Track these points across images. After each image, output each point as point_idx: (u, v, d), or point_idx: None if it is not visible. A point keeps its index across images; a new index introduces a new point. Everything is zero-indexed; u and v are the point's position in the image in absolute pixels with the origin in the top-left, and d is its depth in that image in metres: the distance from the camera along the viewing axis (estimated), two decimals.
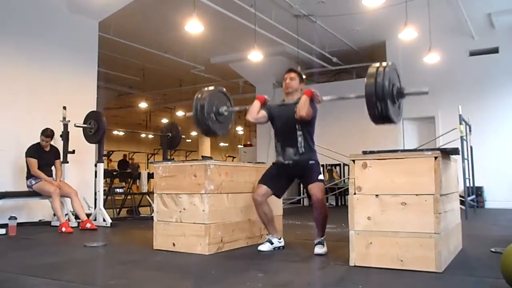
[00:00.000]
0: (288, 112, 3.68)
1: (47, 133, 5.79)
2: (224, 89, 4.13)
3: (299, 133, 3.65)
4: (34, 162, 5.67)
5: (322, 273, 3.06)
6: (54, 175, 5.88)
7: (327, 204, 4.01)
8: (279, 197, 3.88)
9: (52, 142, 5.92)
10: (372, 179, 3.03)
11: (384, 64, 3.13)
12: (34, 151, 5.75)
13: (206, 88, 4.01)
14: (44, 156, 5.82)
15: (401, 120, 3.30)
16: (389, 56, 10.44)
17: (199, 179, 3.65)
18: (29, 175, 5.71)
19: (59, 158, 6.00)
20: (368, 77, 3.07)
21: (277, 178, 3.73)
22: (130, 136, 22.90)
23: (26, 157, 5.70)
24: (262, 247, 3.69)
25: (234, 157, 19.59)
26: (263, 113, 3.81)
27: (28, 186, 5.70)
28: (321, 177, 3.62)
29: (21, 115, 6.26)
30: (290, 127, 3.67)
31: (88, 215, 6.09)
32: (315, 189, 3.53)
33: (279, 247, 3.76)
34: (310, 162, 3.65)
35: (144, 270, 3.11)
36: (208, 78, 13.29)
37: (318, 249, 3.49)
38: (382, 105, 3.01)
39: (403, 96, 3.19)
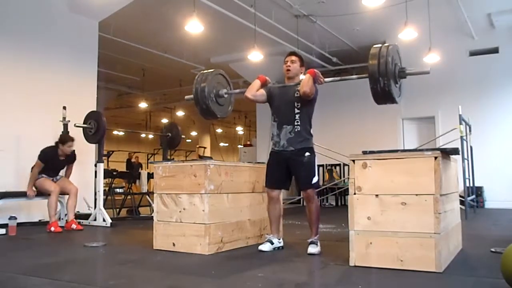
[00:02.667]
0: (288, 93, 3.71)
1: (70, 143, 5.58)
2: (224, 72, 4.14)
3: (297, 111, 3.64)
4: (39, 165, 5.49)
5: (322, 273, 3.06)
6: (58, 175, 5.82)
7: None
8: (287, 189, 3.88)
9: (53, 143, 5.87)
10: (372, 179, 3.03)
11: (386, 44, 3.20)
12: (48, 156, 5.52)
13: (206, 71, 4.02)
14: (55, 163, 5.65)
15: (400, 100, 3.34)
16: None
17: (199, 179, 3.65)
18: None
19: (74, 162, 5.88)
20: (371, 56, 3.15)
21: (279, 172, 3.72)
22: (130, 136, 22.92)
23: (38, 156, 5.52)
24: (263, 247, 3.69)
25: (205, 148, 20.05)
26: (262, 91, 3.82)
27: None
28: (315, 179, 3.62)
29: (21, 115, 6.25)
30: (289, 106, 3.67)
31: (88, 215, 6.11)
32: (309, 193, 3.59)
33: (279, 247, 3.77)
34: (306, 154, 3.61)
35: (144, 270, 3.11)
36: None
37: (311, 249, 3.51)
38: (385, 83, 3.08)
39: (405, 75, 3.25)
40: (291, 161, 3.65)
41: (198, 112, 4.03)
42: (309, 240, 3.57)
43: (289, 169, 3.72)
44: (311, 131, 3.72)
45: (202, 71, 4.05)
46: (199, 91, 3.88)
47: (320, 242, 3.62)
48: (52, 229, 5.25)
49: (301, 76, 3.78)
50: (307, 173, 3.61)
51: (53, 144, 5.66)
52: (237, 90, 4.18)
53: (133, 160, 13.99)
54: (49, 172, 5.63)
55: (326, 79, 3.68)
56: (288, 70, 3.77)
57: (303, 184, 3.62)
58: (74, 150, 5.76)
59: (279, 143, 3.69)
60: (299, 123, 3.63)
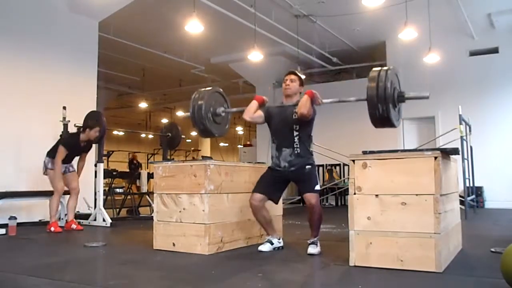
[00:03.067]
0: (286, 113, 3.69)
1: (97, 129, 5.63)
2: (221, 90, 4.15)
3: (295, 133, 3.64)
4: (62, 152, 5.45)
5: (322, 273, 3.06)
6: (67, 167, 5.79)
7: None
8: (276, 202, 3.84)
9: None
10: (372, 179, 3.03)
11: (385, 68, 3.16)
12: (71, 143, 5.58)
13: (203, 89, 4.01)
14: (76, 150, 5.70)
15: (400, 123, 3.32)
16: (389, 56, 10.45)
17: (199, 179, 3.65)
18: (51, 156, 5.52)
19: (89, 151, 5.93)
20: (370, 80, 3.11)
21: (272, 185, 3.70)
22: (130, 136, 22.90)
23: (60, 142, 5.57)
24: (263, 248, 3.69)
25: (199, 150, 20.60)
26: (260, 113, 3.81)
27: (44, 164, 5.56)
28: (317, 187, 3.60)
29: (21, 115, 6.26)
30: (287, 128, 3.66)
31: (88, 215, 6.11)
32: (311, 199, 3.53)
33: (279, 247, 3.77)
34: (307, 166, 3.62)
35: (144, 270, 3.11)
36: (208, 78, 13.29)
37: (311, 249, 3.50)
38: (383, 109, 3.05)
39: (404, 100, 3.22)
40: (291, 175, 3.66)
41: (195, 131, 4.00)
42: (309, 241, 3.57)
43: (285, 184, 3.78)
44: (311, 149, 3.72)
45: (199, 89, 4.02)
46: (196, 110, 3.86)
47: (320, 242, 3.61)
48: (52, 229, 5.25)
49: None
50: (309, 182, 3.60)
51: (57, 142, 5.67)
52: (234, 109, 4.16)
53: (135, 161, 13.97)
54: (64, 159, 5.58)
55: (324, 100, 3.62)
56: (287, 88, 3.75)
57: (306, 189, 3.58)
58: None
59: (279, 165, 3.67)
60: (298, 146, 3.63)
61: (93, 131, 5.63)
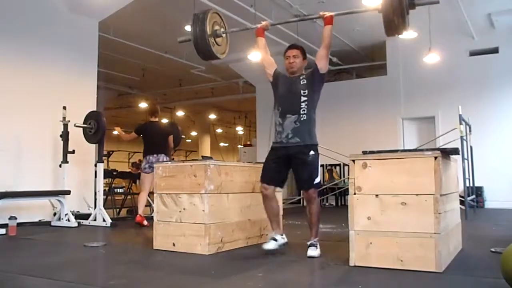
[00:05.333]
0: (294, 80, 3.60)
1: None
2: (218, 11, 4.09)
3: (303, 99, 3.48)
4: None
5: (322, 273, 3.06)
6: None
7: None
8: (281, 187, 3.77)
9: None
10: (372, 179, 3.03)
11: None
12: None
13: (201, 12, 3.94)
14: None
15: (408, 28, 3.42)
16: (389, 56, 10.45)
17: (199, 179, 3.65)
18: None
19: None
20: None
21: (277, 169, 3.58)
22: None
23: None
24: (268, 246, 3.49)
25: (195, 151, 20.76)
26: (273, 61, 3.79)
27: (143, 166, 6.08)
28: (317, 180, 3.52)
29: (21, 115, 6.25)
30: (295, 94, 3.52)
31: (88, 215, 6.11)
32: (310, 193, 3.49)
33: (284, 244, 3.61)
34: (311, 153, 3.47)
35: (144, 270, 3.11)
36: (208, 78, 13.28)
37: (311, 251, 3.41)
38: (397, 14, 3.20)
39: (414, 6, 3.29)
40: (294, 159, 3.50)
41: (196, 53, 3.91)
42: (309, 243, 3.48)
43: (288, 167, 3.59)
44: (315, 122, 3.58)
45: (196, 13, 3.92)
46: (198, 34, 3.75)
47: (320, 242, 3.57)
48: (145, 222, 5.73)
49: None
50: (309, 173, 3.48)
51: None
52: (235, 29, 4.19)
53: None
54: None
55: (333, 13, 3.72)
56: (292, 66, 3.63)
57: (305, 184, 3.50)
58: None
59: (282, 133, 3.49)
60: (305, 112, 3.45)
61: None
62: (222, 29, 3.96)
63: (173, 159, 6.46)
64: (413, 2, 3.26)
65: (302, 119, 3.47)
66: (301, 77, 3.60)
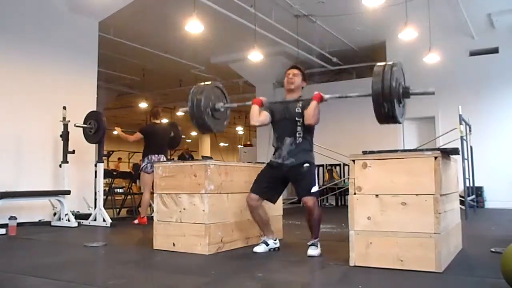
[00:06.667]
0: (289, 108, 3.65)
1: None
2: (221, 85, 4.07)
3: (299, 123, 3.59)
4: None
5: (322, 273, 3.06)
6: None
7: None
8: (273, 202, 3.79)
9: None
10: (372, 179, 3.03)
11: (390, 62, 3.10)
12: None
13: (203, 83, 3.94)
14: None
15: (404, 120, 3.28)
16: (389, 56, 10.43)
17: (199, 179, 3.65)
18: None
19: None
20: (375, 75, 3.04)
21: (270, 184, 3.64)
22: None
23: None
24: (257, 249, 3.64)
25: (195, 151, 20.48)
26: (265, 113, 3.74)
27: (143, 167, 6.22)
28: (315, 188, 3.53)
29: (21, 115, 6.25)
30: (290, 120, 3.62)
31: (88, 215, 6.11)
32: (308, 201, 3.49)
33: (274, 249, 3.72)
34: (305, 165, 3.54)
35: (144, 270, 3.11)
36: (208, 78, 13.26)
37: (311, 251, 3.45)
38: (388, 105, 2.99)
39: (408, 96, 3.15)
40: (289, 173, 3.58)
41: (193, 126, 3.92)
42: (309, 242, 3.52)
43: (284, 185, 3.71)
44: (312, 144, 3.68)
45: (198, 84, 3.94)
46: (195, 105, 3.75)
47: (320, 242, 3.58)
48: (136, 222, 6.02)
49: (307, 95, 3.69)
50: (306, 181, 3.52)
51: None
52: (234, 104, 4.11)
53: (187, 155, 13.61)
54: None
55: (328, 96, 3.58)
56: (291, 83, 3.71)
57: (302, 192, 3.52)
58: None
59: (280, 154, 3.60)
60: (301, 135, 3.58)
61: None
62: (221, 104, 3.90)
63: (173, 159, 6.48)
64: (407, 91, 3.11)
65: (298, 141, 3.59)
66: (296, 105, 3.62)
